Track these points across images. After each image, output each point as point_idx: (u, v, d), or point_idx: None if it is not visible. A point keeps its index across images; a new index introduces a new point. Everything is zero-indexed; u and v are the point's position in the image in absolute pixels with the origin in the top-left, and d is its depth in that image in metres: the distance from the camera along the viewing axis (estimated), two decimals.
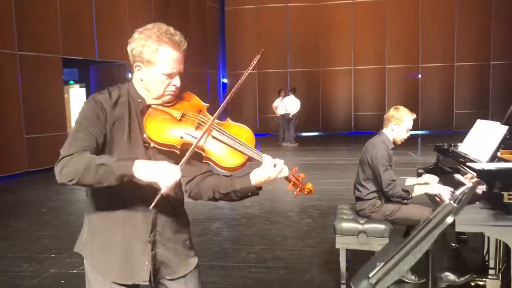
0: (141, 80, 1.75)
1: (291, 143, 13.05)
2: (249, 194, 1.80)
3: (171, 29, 1.76)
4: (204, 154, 1.72)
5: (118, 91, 1.78)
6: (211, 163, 1.74)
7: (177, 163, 1.68)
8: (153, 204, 1.58)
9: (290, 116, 12.96)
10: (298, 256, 4.39)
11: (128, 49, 1.75)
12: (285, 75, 16.71)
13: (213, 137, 1.71)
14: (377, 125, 15.01)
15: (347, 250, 3.56)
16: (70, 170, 1.57)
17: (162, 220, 1.82)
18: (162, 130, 1.70)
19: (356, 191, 3.71)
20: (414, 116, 3.70)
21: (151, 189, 1.61)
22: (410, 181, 3.84)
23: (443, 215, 1.19)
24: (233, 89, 1.82)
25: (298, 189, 1.81)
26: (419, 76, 15.87)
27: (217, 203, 6.49)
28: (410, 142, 12.48)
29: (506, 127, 3.25)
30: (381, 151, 3.51)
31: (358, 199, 3.68)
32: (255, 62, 1.90)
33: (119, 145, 1.73)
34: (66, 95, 24.50)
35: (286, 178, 1.79)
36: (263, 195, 6.91)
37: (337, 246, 3.58)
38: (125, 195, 1.72)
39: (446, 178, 3.84)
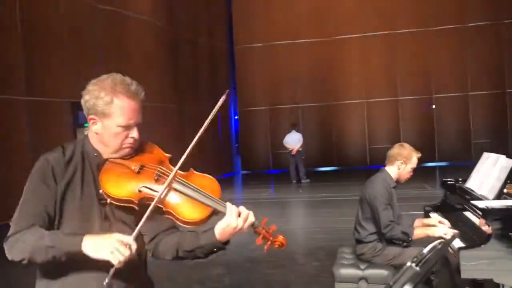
0: (97, 133, 1.66)
1: (303, 180, 12.77)
2: (215, 249, 1.68)
3: (127, 79, 1.69)
4: (164, 209, 1.59)
5: (73, 147, 1.69)
6: (172, 218, 1.60)
7: (137, 220, 1.58)
8: (106, 280, 1.47)
9: (293, 153, 12.73)
10: None
11: (82, 101, 1.67)
12: (297, 110, 16.61)
13: (175, 190, 1.59)
14: None
15: None
16: (19, 250, 1.51)
17: (120, 283, 1.64)
18: (119, 184, 1.59)
19: (356, 232, 3.47)
20: (419, 154, 3.49)
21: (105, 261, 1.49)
22: (417, 222, 3.58)
23: (403, 283, 0.98)
24: (196, 137, 1.71)
25: (269, 242, 1.64)
26: (433, 106, 15.58)
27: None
28: (426, 175, 12.19)
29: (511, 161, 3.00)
30: (380, 189, 3.29)
31: (358, 241, 3.44)
32: (220, 104, 1.77)
33: (71, 205, 1.62)
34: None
35: (255, 231, 1.62)
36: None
37: None
38: (77, 265, 1.59)
39: (456, 216, 3.56)
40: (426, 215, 3.93)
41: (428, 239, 3.32)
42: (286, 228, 7.20)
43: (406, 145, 3.50)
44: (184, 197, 1.59)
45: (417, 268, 1.04)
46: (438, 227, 3.24)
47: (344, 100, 16.24)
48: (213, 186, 1.67)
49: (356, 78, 16.04)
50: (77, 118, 24.63)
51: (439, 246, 1.18)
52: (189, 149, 1.67)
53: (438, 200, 4.10)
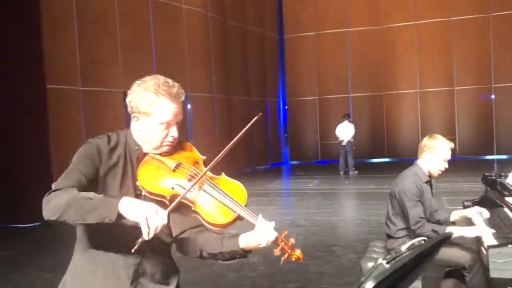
0: (139, 130, 1.76)
1: (350, 171, 12.58)
2: (238, 256, 1.75)
3: (170, 81, 1.76)
4: (193, 208, 1.66)
5: (116, 137, 1.80)
6: (199, 218, 1.67)
7: (174, 215, 1.69)
8: (135, 247, 1.53)
9: (343, 143, 12.54)
10: None
11: (127, 100, 1.77)
12: (347, 100, 16.33)
13: (204, 191, 1.66)
14: None
15: None
16: (55, 205, 1.56)
17: (145, 272, 1.76)
18: (155, 179, 1.69)
19: (386, 227, 3.40)
20: (452, 145, 3.32)
21: (137, 239, 1.55)
22: (455, 214, 3.46)
23: (369, 278, 0.96)
24: (230, 145, 1.73)
25: (287, 255, 1.68)
26: (493, 97, 14.78)
27: None
28: (482, 168, 11.62)
29: None
30: (409, 185, 3.18)
31: (389, 236, 3.36)
32: (253, 121, 1.78)
33: (111, 191, 1.72)
34: None
35: (275, 242, 1.66)
36: (310, 228, 6.66)
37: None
38: (108, 244, 1.70)
39: (496, 212, 3.40)
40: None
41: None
42: (328, 219, 7.17)
43: (436, 135, 3.36)
44: (212, 199, 1.65)
45: (387, 265, 1.01)
46: (474, 226, 3.10)
47: (396, 90, 15.77)
48: (241, 193, 1.71)
49: (408, 67, 15.52)
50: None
51: (418, 245, 1.14)
52: (222, 154, 1.70)
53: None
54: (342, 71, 16.23)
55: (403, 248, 1.11)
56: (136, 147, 1.76)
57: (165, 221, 1.53)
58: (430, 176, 3.33)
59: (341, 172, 12.65)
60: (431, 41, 15.19)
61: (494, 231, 2.98)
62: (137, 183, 1.69)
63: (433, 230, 3.06)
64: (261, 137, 16.09)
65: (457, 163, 14.46)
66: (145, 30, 11.30)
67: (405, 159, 15.63)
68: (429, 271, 3.71)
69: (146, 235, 1.49)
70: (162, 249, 1.79)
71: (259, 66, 16.11)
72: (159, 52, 11.58)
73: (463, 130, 15.18)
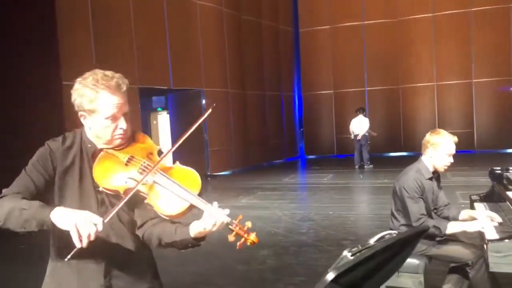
0: (90, 128, 1.79)
1: (366, 165, 12.52)
2: (190, 245, 1.72)
3: (109, 73, 1.76)
4: (146, 200, 1.69)
5: (73, 137, 1.83)
6: (154, 209, 1.70)
7: (129, 207, 1.76)
8: (69, 256, 1.56)
9: (358, 138, 12.47)
10: None
11: (72, 99, 1.78)
12: (363, 93, 16.21)
13: (156, 182, 1.69)
14: (465, 144, 14.14)
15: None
16: None
17: (118, 264, 1.79)
18: (108, 175, 1.72)
19: (390, 222, 3.40)
20: (456, 139, 3.30)
21: (101, 237, 1.61)
22: (464, 213, 3.41)
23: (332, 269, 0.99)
24: (183, 137, 1.78)
25: (243, 239, 1.68)
26: (511, 89, 14.49)
27: (272, 229, 6.37)
28: (502, 162, 11.42)
29: None
30: (409, 182, 3.17)
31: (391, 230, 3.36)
32: (206, 115, 1.83)
33: (70, 191, 1.76)
34: (154, 121, 26.12)
35: (229, 228, 1.66)
36: (320, 222, 6.68)
37: None
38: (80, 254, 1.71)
39: (502, 207, 3.38)
40: (472, 205, 3.77)
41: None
42: (340, 213, 7.17)
43: (439, 130, 3.33)
44: (164, 190, 1.67)
45: (351, 257, 1.04)
46: (476, 221, 3.08)
47: (413, 83, 15.58)
48: (194, 181, 1.71)
49: (425, 59, 15.30)
50: (150, 103, 25.59)
51: (388, 237, 1.16)
52: (174, 147, 1.75)
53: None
54: (358, 64, 16.09)
55: (372, 240, 1.13)
56: (89, 145, 1.79)
57: (100, 228, 1.54)
58: (435, 171, 3.31)
59: (356, 166, 12.59)
60: (448, 33, 14.94)
61: (496, 225, 2.97)
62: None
63: (434, 227, 3.05)
64: (277, 131, 16.10)
65: (475, 157, 14.28)
66: (160, 26, 11.39)
67: (421, 153, 15.46)
68: (433, 265, 3.72)
69: (77, 243, 1.51)
70: (129, 242, 1.81)
71: (274, 61, 16.08)
72: (174, 48, 11.68)
73: (481, 123, 14.93)
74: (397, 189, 3.25)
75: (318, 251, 5.29)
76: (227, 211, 1.65)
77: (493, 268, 2.50)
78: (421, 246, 3.21)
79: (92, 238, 1.53)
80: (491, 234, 2.79)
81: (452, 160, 3.29)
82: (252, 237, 1.64)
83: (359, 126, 12.58)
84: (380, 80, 15.90)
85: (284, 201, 8.49)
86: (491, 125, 14.76)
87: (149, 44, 11.03)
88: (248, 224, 1.67)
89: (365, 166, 12.49)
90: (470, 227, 2.99)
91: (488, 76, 14.61)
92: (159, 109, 23.89)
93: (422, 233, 1.30)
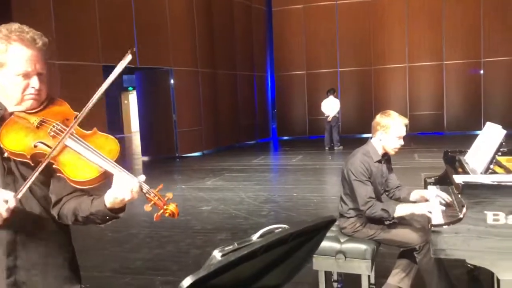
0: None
1: (335, 147, 12.49)
2: (107, 217, 1.58)
3: (25, 27, 1.60)
4: (54, 165, 1.54)
5: None
6: (62, 176, 1.55)
7: (41, 179, 1.59)
8: None
9: (328, 119, 12.41)
10: None
11: None
12: (336, 74, 16.10)
13: (69, 147, 1.54)
14: (434, 125, 14.34)
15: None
16: None
17: (24, 244, 1.63)
18: (16, 137, 1.56)
19: (339, 206, 3.29)
20: (406, 121, 3.17)
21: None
22: (415, 193, 3.35)
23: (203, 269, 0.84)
24: (96, 95, 1.63)
25: (161, 210, 1.53)
26: (481, 72, 14.59)
27: (233, 212, 6.25)
28: (469, 144, 11.55)
29: (504, 132, 2.70)
30: (356, 165, 3.06)
31: (341, 215, 3.26)
32: (125, 62, 1.63)
33: None
34: (126, 101, 25.56)
35: (147, 198, 1.51)
36: (283, 204, 6.59)
37: (314, 267, 3.18)
38: None
39: (452, 189, 3.30)
40: (425, 187, 3.68)
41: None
42: (304, 195, 7.09)
43: (389, 111, 3.21)
44: (76, 155, 1.54)
45: (220, 258, 0.89)
46: (424, 203, 2.98)
47: (385, 64, 15.54)
48: (112, 148, 1.58)
49: (397, 41, 15.26)
50: (121, 82, 24.92)
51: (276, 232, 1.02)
52: (87, 107, 1.60)
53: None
54: (331, 45, 15.95)
55: (254, 236, 0.98)
56: (0, 109, 1.63)
57: (11, 204, 1.41)
58: (385, 154, 3.21)
59: (326, 148, 12.55)
60: (421, 15, 14.89)
61: (444, 209, 2.88)
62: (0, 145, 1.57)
63: (382, 209, 2.96)
64: (249, 112, 15.91)
65: (444, 138, 14.41)
66: (124, 1, 10.97)
67: None
68: (388, 249, 3.65)
69: None
70: (41, 220, 1.66)
71: (246, 40, 15.80)
72: (140, 24, 11.28)
73: (451, 105, 15.04)
74: (345, 172, 3.13)
75: None
76: (142, 177, 1.51)
77: (436, 253, 2.41)
78: (369, 231, 3.12)
79: (4, 215, 1.40)
80: (436, 218, 2.70)
81: (402, 143, 3.18)
82: (172, 207, 1.49)
83: (330, 107, 12.50)
84: (352, 61, 15.82)
85: (250, 182, 8.37)
86: (461, 107, 14.89)
87: (113, 19, 10.62)
88: (169, 195, 1.53)
89: (335, 148, 12.46)
90: (418, 210, 2.90)
91: (459, 58, 14.67)
92: (130, 88, 23.41)
93: (324, 226, 1.15)
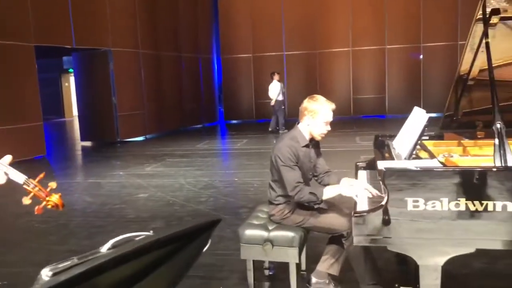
0: None
1: (280, 130, 12.50)
2: None
3: None
4: None
5: None
6: None
7: None
8: None
9: (272, 103, 12.39)
10: (225, 263, 3.91)
11: None
12: (281, 58, 16.06)
13: None
14: (377, 109, 14.59)
15: None
16: None
17: None
18: None
19: (268, 192, 3.21)
20: (333, 106, 3.11)
21: None
22: (344, 181, 3.31)
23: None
24: None
25: (43, 203, 1.35)
26: (421, 56, 15.02)
27: (171, 199, 6.07)
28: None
29: (427, 117, 2.69)
30: (283, 150, 2.98)
31: (270, 202, 3.18)
32: None
33: None
34: (66, 84, 24.41)
35: (25, 189, 1.34)
36: (223, 190, 6.46)
37: (242, 257, 3.10)
38: None
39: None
40: (356, 172, 3.67)
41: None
42: (244, 180, 7.00)
43: (318, 96, 3.13)
44: None
45: (47, 278, 0.73)
46: (353, 186, 2.94)
47: (330, 48, 15.65)
48: None
49: (342, 25, 15.38)
50: (61, 63, 23.78)
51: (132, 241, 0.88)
52: None
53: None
54: (276, 28, 15.85)
55: (103, 248, 0.84)
56: None
57: None
58: (312, 139, 3.14)
59: (270, 129, 12.59)
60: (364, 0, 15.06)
61: (371, 195, 2.85)
62: None
63: (311, 193, 2.89)
64: (194, 95, 15.60)
65: (386, 121, 14.78)
66: None
67: (338, 117, 15.78)
68: (319, 235, 3.61)
69: None
70: None
71: (191, 21, 15.40)
72: (76, 1, 10.68)
73: (393, 88, 15.42)
74: (272, 158, 3.04)
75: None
76: (7, 158, 1.37)
77: (357, 241, 2.38)
78: (298, 217, 3.06)
79: None
80: (361, 205, 2.67)
81: (329, 128, 3.12)
82: (54, 198, 1.34)
83: (273, 91, 12.45)
84: (298, 44, 15.81)
85: (192, 168, 8.19)
86: (402, 91, 15.29)
87: (54, 3, 10.03)
88: (52, 184, 1.39)
89: (280, 131, 12.46)
90: (346, 192, 2.85)
91: (400, 43, 15.00)
92: (70, 70, 22.32)
93: (206, 228, 1.03)
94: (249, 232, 3.04)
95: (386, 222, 2.32)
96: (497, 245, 2.25)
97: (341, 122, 15.04)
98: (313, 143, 3.20)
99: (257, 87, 16.07)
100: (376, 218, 2.34)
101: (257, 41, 16.08)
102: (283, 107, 12.71)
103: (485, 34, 2.65)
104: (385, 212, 2.31)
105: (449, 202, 2.23)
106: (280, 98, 12.48)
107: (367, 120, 14.85)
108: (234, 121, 16.79)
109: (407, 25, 14.84)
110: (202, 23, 16.09)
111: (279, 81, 12.65)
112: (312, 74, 15.92)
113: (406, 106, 14.80)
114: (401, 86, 15.24)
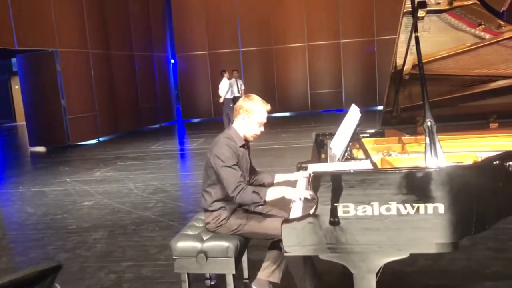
0: None
1: None
2: None
3: None
4: None
5: None
6: None
7: None
8: None
9: (220, 101, 12.20)
10: (164, 274, 3.70)
11: None
12: (238, 54, 15.87)
13: None
14: (334, 103, 14.60)
15: None
16: None
17: None
18: None
19: (202, 200, 3.02)
20: (268, 107, 2.97)
21: None
22: (278, 177, 3.18)
23: None
24: None
25: None
26: (375, 49, 15.16)
27: (116, 206, 5.80)
28: (368, 122, 11.95)
29: (359, 116, 2.58)
30: (224, 149, 2.81)
31: (205, 210, 3.00)
32: None
33: None
34: (16, 87, 23.45)
35: None
36: (173, 194, 6.23)
37: (176, 270, 2.90)
38: None
39: None
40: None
41: None
42: (196, 182, 6.79)
43: (253, 96, 2.98)
44: None
45: None
46: (296, 190, 2.79)
47: (286, 43, 15.58)
48: None
49: (296, 20, 15.33)
50: (9, 65, 22.75)
51: None
52: None
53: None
54: (232, 24, 15.65)
55: None
56: None
57: None
58: (245, 140, 2.98)
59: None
60: None
61: (310, 197, 2.71)
62: None
63: (254, 192, 2.73)
64: (149, 95, 15.22)
65: (343, 116, 14.81)
66: None
67: (297, 113, 15.77)
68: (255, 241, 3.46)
69: None
70: None
71: (143, 19, 15.00)
72: (17, 1, 10.15)
73: (349, 82, 15.51)
74: (211, 161, 2.85)
75: (158, 228, 4.85)
76: None
77: (286, 250, 2.23)
78: (233, 224, 2.89)
79: None
80: (295, 211, 2.53)
81: (263, 129, 2.98)
82: None
83: (222, 89, 12.24)
84: (254, 40, 15.67)
85: (143, 171, 7.91)
86: (358, 84, 15.40)
87: None
88: None
89: None
90: (289, 195, 2.71)
91: (354, 37, 15.09)
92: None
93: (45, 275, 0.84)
94: (182, 244, 2.85)
95: (315, 229, 2.19)
96: (431, 249, 2.15)
97: (299, 118, 15.03)
98: (247, 144, 3.05)
99: (214, 84, 15.79)
100: (305, 226, 2.20)
101: (213, 38, 15.84)
102: (231, 105, 12.52)
103: (414, 27, 2.55)
104: (315, 219, 2.17)
105: (380, 206, 2.11)
106: (234, 95, 12.21)
107: (325, 115, 14.88)
108: (193, 120, 16.50)
109: (360, 19, 14.94)
110: (155, 21, 15.69)
111: (229, 78, 12.41)
112: (269, 70, 15.82)
113: (363, 99, 15.08)
114: (357, 80, 15.35)
